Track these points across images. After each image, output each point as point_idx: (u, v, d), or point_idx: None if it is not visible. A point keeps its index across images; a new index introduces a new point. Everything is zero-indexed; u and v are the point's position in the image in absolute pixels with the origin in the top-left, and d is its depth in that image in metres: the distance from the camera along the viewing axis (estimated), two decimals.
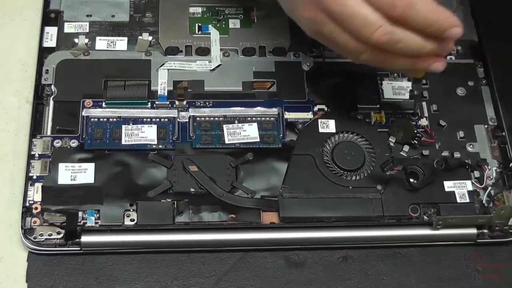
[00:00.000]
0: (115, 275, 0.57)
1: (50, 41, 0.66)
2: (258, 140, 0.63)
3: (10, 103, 0.64)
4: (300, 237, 0.59)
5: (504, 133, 0.65)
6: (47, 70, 0.64)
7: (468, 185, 0.62)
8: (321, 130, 0.63)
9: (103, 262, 0.57)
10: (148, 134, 0.62)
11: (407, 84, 0.66)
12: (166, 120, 0.63)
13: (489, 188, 0.62)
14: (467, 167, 0.63)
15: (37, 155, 0.60)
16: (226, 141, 0.62)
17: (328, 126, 0.64)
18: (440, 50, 0.55)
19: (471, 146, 0.64)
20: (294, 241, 0.59)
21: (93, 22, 0.67)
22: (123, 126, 0.62)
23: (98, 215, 0.58)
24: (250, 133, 0.63)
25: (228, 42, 0.68)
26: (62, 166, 0.59)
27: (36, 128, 0.61)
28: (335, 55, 0.67)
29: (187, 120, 0.63)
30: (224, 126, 0.63)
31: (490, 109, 0.67)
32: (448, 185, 0.62)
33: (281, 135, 0.63)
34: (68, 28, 0.67)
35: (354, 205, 0.60)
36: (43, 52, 0.65)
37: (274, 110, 0.64)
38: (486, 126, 0.66)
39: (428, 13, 0.52)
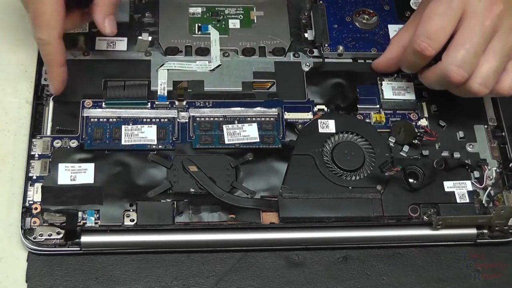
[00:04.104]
0: (115, 275, 0.57)
1: None
2: (258, 140, 0.62)
3: (10, 103, 0.64)
4: (300, 237, 0.59)
5: (504, 133, 0.65)
6: (47, 70, 0.64)
7: (468, 185, 0.62)
8: (321, 130, 0.63)
9: (103, 262, 0.57)
10: (148, 134, 0.62)
11: (407, 84, 0.66)
12: (166, 120, 0.63)
13: (489, 188, 0.62)
14: (467, 167, 0.63)
15: (37, 155, 0.60)
16: (226, 141, 0.62)
17: (328, 126, 0.63)
18: None
19: (471, 146, 0.64)
20: (294, 241, 0.59)
21: (93, 22, 0.67)
22: (123, 126, 0.62)
23: (98, 215, 0.58)
24: (250, 133, 0.63)
25: (228, 42, 0.68)
26: (62, 166, 0.59)
27: (36, 128, 0.61)
28: (335, 55, 0.68)
29: (187, 120, 0.63)
30: (224, 126, 0.63)
31: (490, 109, 0.67)
32: (448, 185, 0.62)
33: (281, 135, 0.63)
34: None
35: (354, 205, 0.60)
36: None
37: (274, 110, 0.64)
38: (486, 126, 0.66)
39: None
